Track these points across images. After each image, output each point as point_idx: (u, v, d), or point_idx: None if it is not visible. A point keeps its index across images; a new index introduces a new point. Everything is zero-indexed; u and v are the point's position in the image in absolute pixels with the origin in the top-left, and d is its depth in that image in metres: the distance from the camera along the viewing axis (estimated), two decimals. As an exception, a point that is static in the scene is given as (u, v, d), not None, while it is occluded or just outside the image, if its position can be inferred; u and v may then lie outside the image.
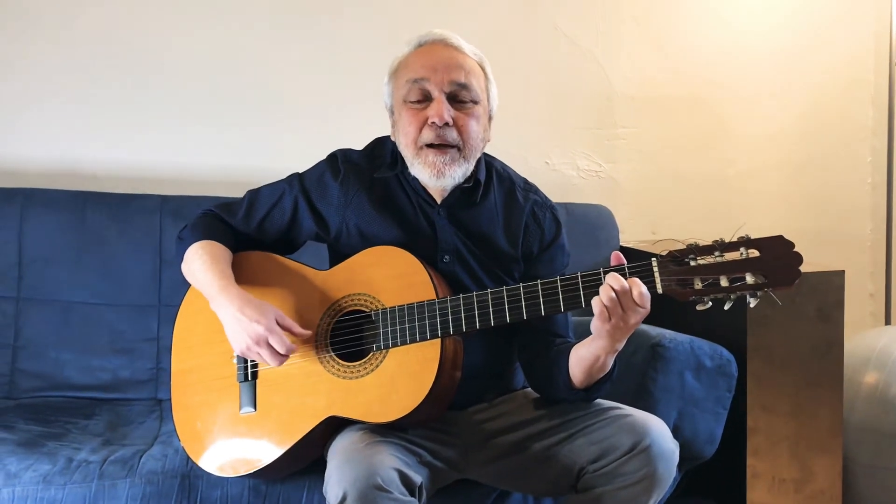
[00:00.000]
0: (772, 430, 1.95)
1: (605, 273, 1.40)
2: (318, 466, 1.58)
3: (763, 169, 2.95)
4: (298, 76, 2.55)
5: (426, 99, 1.56)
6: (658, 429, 1.50)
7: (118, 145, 2.45)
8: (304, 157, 1.78)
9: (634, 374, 1.88)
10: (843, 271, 1.96)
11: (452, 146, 1.56)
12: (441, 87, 1.55)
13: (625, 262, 1.41)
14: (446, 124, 1.54)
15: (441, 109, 1.54)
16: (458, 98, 1.57)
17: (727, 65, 2.88)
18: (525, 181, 1.75)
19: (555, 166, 2.78)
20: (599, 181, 2.83)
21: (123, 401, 2.14)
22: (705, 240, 1.41)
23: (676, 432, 1.88)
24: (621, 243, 2.57)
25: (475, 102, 1.58)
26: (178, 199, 2.29)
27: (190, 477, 1.65)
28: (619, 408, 1.57)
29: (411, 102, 1.57)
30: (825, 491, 1.98)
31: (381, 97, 1.67)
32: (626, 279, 1.37)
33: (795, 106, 2.95)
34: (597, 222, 2.53)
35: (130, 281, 2.21)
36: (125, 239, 2.23)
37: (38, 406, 2.03)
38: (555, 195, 2.35)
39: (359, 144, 1.74)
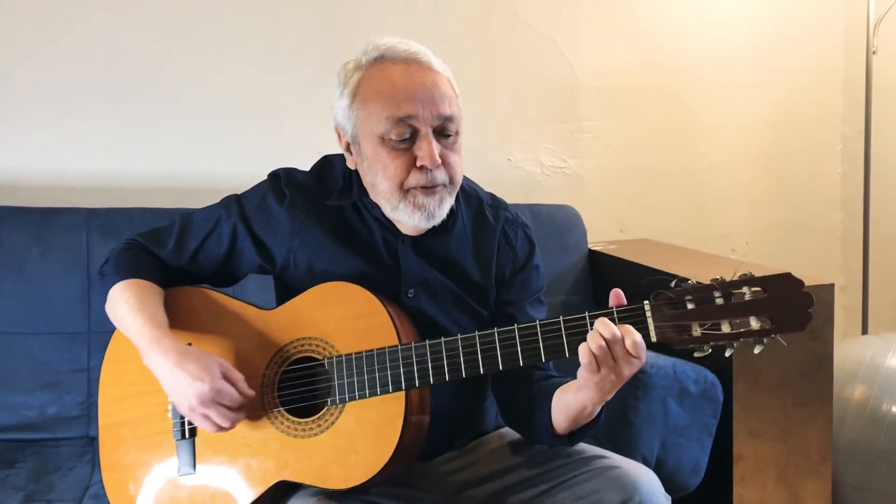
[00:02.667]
0: (759, 455, 1.82)
1: (592, 318, 1.24)
2: (270, 524, 1.41)
3: (734, 161, 2.84)
4: (234, 76, 2.33)
5: (412, 137, 1.35)
6: (649, 483, 1.35)
7: (38, 153, 2.21)
8: (240, 162, 1.59)
9: (614, 404, 1.71)
10: (833, 285, 1.83)
11: (441, 185, 1.37)
12: (429, 123, 1.35)
13: (624, 301, 1.24)
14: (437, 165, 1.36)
15: (433, 152, 1.34)
16: (445, 132, 1.37)
17: (696, 54, 2.75)
18: (493, 197, 1.58)
19: (517, 163, 2.61)
20: (564, 178, 2.67)
21: (51, 441, 1.93)
22: (710, 265, 1.25)
23: (660, 464, 1.75)
24: (589, 245, 2.42)
25: (457, 133, 1.39)
26: (107, 213, 2.07)
27: (123, 544, 1.46)
28: (606, 457, 1.42)
29: (393, 142, 1.36)
30: (814, 517, 1.87)
31: (322, 99, 1.46)
32: (616, 324, 1.21)
33: (766, 96, 2.85)
34: (564, 225, 2.38)
35: (56, 306, 1.99)
36: (48, 259, 2.01)
37: (-49, 454, 1.81)
38: (518, 194, 2.18)
39: (303, 151, 1.54)
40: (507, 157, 2.60)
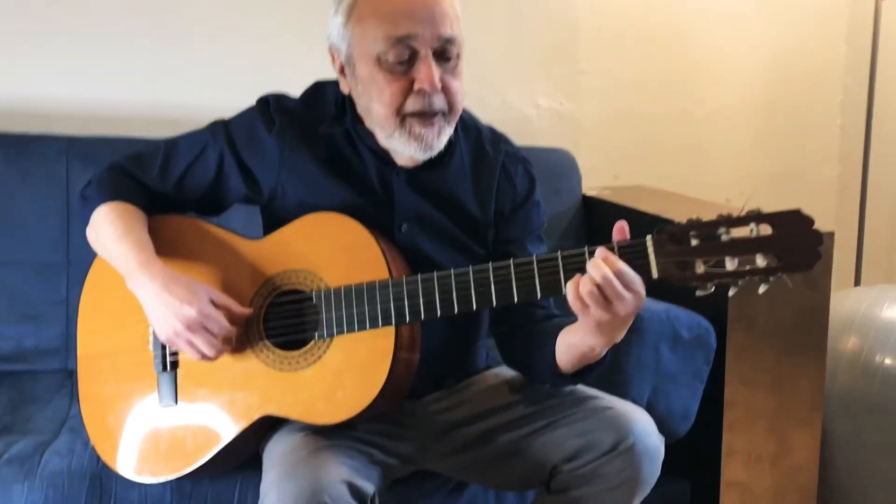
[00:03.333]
0: (750, 403, 1.80)
1: (591, 252, 1.19)
2: (254, 460, 1.38)
3: (732, 109, 2.78)
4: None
5: (410, 59, 1.28)
6: (643, 424, 1.33)
7: (16, 76, 2.11)
8: (228, 91, 1.51)
9: (606, 348, 1.70)
10: (833, 233, 1.78)
11: (440, 113, 1.30)
12: (430, 44, 1.27)
13: (628, 236, 1.19)
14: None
15: (432, 75, 1.26)
16: (445, 55, 1.30)
17: (698, -1, 2.66)
18: (492, 130, 1.51)
19: (512, 104, 2.54)
20: (560, 121, 2.61)
21: (28, 374, 1.88)
22: (715, 206, 1.20)
23: (650, 409, 1.71)
24: (584, 191, 2.37)
25: (458, 57, 1.32)
26: (87, 141, 1.99)
27: (101, 477, 1.42)
28: (599, 397, 1.39)
29: (390, 64, 1.28)
30: (802, 467, 1.86)
31: (317, 22, 1.39)
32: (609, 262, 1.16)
33: (767, 43, 2.78)
34: (558, 169, 2.32)
35: (33, 236, 1.92)
36: (26, 187, 1.93)
37: (-75, 384, 1.76)
38: (511, 136, 2.12)
39: (293, 77, 1.46)
40: (503, 98, 2.53)
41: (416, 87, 1.27)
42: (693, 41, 2.68)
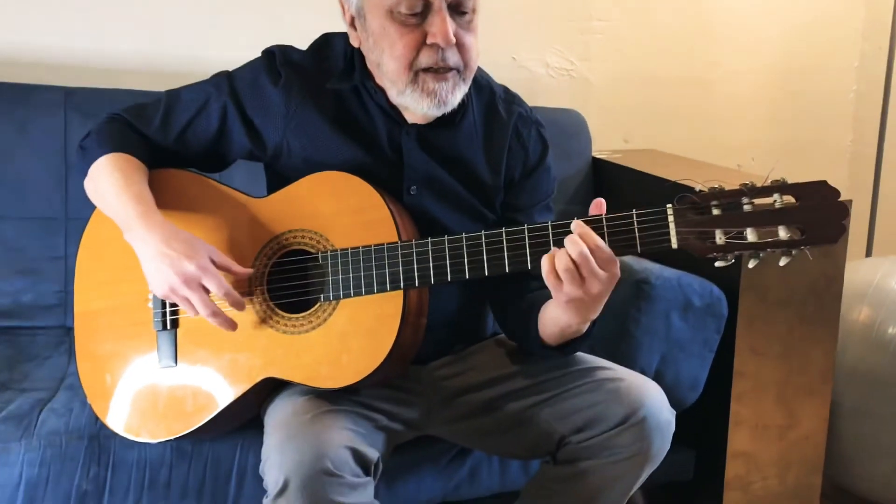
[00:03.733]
0: (759, 373, 1.77)
1: (611, 219, 1.14)
2: (255, 421, 1.35)
3: (746, 73, 2.72)
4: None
5: (423, 11, 1.22)
6: (655, 398, 1.30)
7: (14, 25, 2.04)
8: (233, 43, 1.45)
9: (615, 314, 1.66)
10: (851, 201, 1.73)
11: (454, 69, 1.25)
12: None
13: (604, 211, 1.15)
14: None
15: (446, 28, 1.20)
16: (460, 9, 1.23)
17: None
18: (506, 90, 1.46)
19: (522, 62, 2.48)
20: (571, 81, 2.55)
21: (26, 330, 1.84)
22: (727, 172, 1.16)
23: (658, 378, 1.69)
24: (594, 154, 2.32)
25: (474, 12, 1.26)
26: (85, 93, 1.92)
27: (100, 437, 1.39)
28: (609, 368, 1.36)
29: (403, 16, 1.22)
30: (809, 437, 1.83)
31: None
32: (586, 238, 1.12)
33: (784, 6, 2.71)
34: (568, 130, 2.27)
35: (30, 190, 1.86)
36: (23, 139, 1.87)
37: (-80, 339, 1.73)
38: (520, 96, 2.06)
39: (301, 29, 1.41)
40: (513, 56, 2.47)
41: (429, 40, 1.22)
42: (708, 2, 2.61)
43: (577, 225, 1.13)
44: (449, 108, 1.28)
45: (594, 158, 2.31)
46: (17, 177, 1.86)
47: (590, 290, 1.13)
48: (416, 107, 1.28)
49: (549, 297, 1.28)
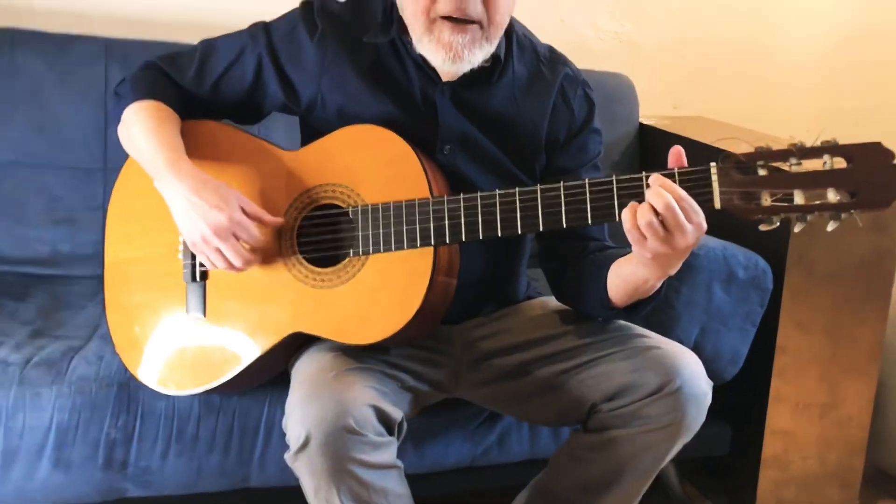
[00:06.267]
0: (802, 349, 1.71)
1: (648, 177, 1.10)
2: (283, 376, 1.34)
3: (806, 39, 2.60)
4: None
5: None
6: (691, 367, 1.26)
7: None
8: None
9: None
10: (908, 173, 1.66)
11: (474, 22, 1.19)
12: None
13: (685, 161, 1.10)
14: None
15: None
16: None
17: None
18: (551, 49, 1.41)
19: (570, 24, 2.41)
20: (620, 44, 2.47)
21: (63, 278, 1.85)
22: (779, 142, 1.10)
23: (697, 350, 1.62)
24: (641, 120, 2.25)
25: None
26: (127, 44, 1.91)
27: (129, 386, 1.39)
28: (646, 336, 1.32)
29: None
30: (853, 417, 1.77)
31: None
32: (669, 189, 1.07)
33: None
34: (616, 94, 2.21)
35: (70, 139, 1.86)
36: (64, 89, 1.87)
37: (-40, 283, 1.75)
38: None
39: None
40: (561, 18, 2.40)
41: None
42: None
43: (656, 178, 1.08)
44: (466, 66, 1.23)
45: (641, 125, 2.24)
46: (58, 126, 1.86)
47: (676, 244, 1.08)
48: (433, 59, 1.23)
49: (615, 257, 1.25)
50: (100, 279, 1.83)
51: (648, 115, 2.33)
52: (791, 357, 1.71)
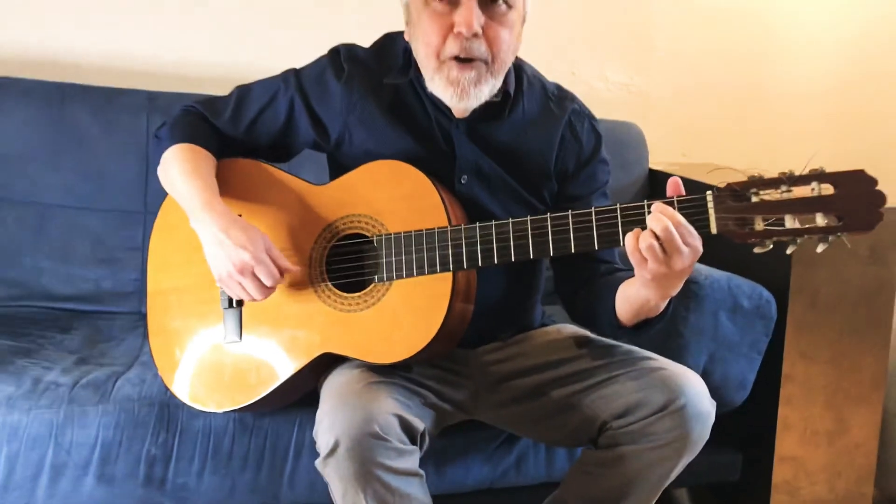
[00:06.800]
0: (808, 378, 1.78)
1: (650, 206, 1.20)
2: (312, 399, 1.42)
3: (809, 88, 2.71)
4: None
5: (453, 1, 1.30)
6: (695, 387, 1.33)
7: (104, 34, 2.20)
8: (303, 55, 1.55)
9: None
10: (906, 208, 1.74)
11: (480, 60, 1.31)
12: None
13: (682, 191, 1.20)
14: (475, 35, 1.28)
15: (470, 17, 1.27)
16: (491, 1, 1.30)
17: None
18: (559, 87, 1.53)
19: (582, 77, 2.54)
20: (629, 96, 2.59)
21: (105, 314, 1.98)
22: (769, 170, 1.20)
23: (706, 377, 1.70)
24: (650, 165, 2.36)
25: (510, 6, 1.32)
26: (167, 97, 2.06)
27: (169, 406, 1.49)
28: (652, 358, 1.40)
29: (435, 4, 1.30)
30: (860, 445, 1.83)
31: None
32: (668, 214, 1.17)
33: (849, 18, 2.69)
34: (625, 140, 2.32)
35: (114, 184, 2.01)
36: (108, 138, 2.01)
37: (11, 317, 1.86)
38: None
39: (365, 42, 1.51)
40: (572, 71, 2.53)
41: (455, 29, 1.29)
42: (770, 16, 2.62)
43: (656, 205, 1.18)
44: (474, 101, 1.34)
45: (651, 170, 2.35)
46: (102, 173, 2.00)
47: (674, 266, 1.17)
48: (442, 96, 1.35)
49: (623, 279, 1.34)
50: (139, 315, 1.97)
51: (659, 161, 2.44)
52: (797, 385, 1.77)
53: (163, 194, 1.53)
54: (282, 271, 1.34)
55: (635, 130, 2.35)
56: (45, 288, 1.96)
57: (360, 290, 1.37)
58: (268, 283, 1.31)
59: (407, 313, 1.33)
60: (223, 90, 2.09)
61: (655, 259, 1.17)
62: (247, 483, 1.50)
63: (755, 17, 2.62)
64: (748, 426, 1.82)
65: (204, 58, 2.27)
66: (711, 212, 1.18)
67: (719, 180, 2.08)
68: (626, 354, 1.42)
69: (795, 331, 1.75)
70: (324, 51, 1.50)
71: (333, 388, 1.30)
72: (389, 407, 1.23)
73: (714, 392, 1.39)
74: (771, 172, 1.19)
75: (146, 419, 1.47)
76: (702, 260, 1.79)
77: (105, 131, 2.01)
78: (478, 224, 1.30)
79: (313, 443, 1.28)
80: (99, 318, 1.94)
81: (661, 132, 2.58)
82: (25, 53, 2.16)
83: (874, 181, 1.14)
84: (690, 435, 1.31)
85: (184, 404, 1.46)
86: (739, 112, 2.67)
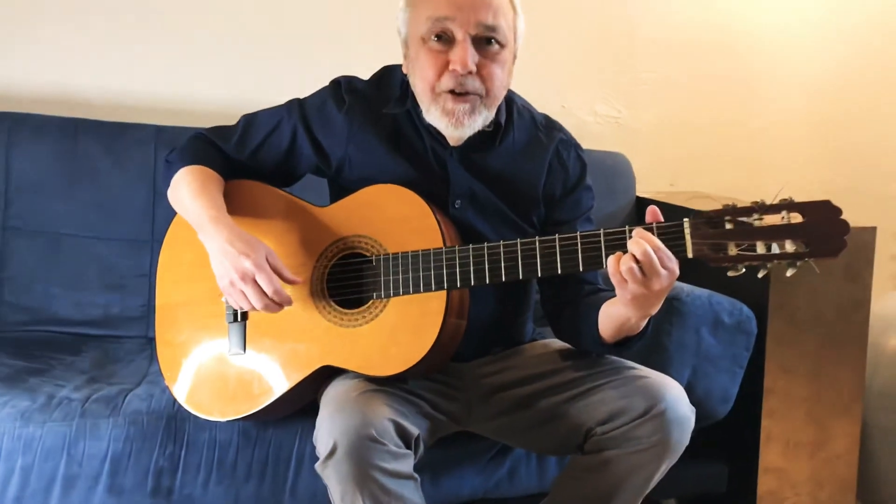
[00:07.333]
0: (789, 391, 1.85)
1: (632, 231, 1.29)
2: (312, 411, 1.49)
3: (792, 121, 2.81)
4: (303, 3, 2.40)
5: (449, 40, 1.40)
6: (674, 393, 1.41)
7: (113, 72, 2.31)
8: (306, 88, 1.65)
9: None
10: (875, 228, 1.84)
11: (474, 94, 1.41)
12: (466, 28, 1.39)
13: (661, 217, 1.29)
14: (470, 72, 1.39)
15: (465, 56, 1.38)
16: (486, 42, 1.41)
17: (760, 6, 2.72)
18: (547, 118, 1.63)
19: (571, 110, 2.64)
20: (618, 128, 2.69)
21: (113, 338, 2.05)
22: (743, 200, 1.29)
23: (689, 390, 1.78)
24: (637, 194, 2.45)
25: (502, 46, 1.42)
26: (174, 130, 2.16)
27: (176, 419, 1.56)
28: (635, 368, 1.48)
29: (432, 42, 1.41)
30: (841, 456, 1.89)
31: (391, 23, 1.53)
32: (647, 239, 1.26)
33: (828, 53, 2.80)
34: (613, 170, 2.41)
35: (123, 214, 2.09)
36: (118, 170, 2.11)
37: (23, 341, 1.94)
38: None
39: (365, 73, 1.61)
40: (562, 104, 2.63)
41: (450, 66, 1.39)
42: (751, 50, 2.73)
43: (637, 230, 1.27)
44: (468, 131, 1.44)
45: (638, 198, 2.43)
46: (112, 203, 2.09)
47: (652, 287, 1.26)
48: (438, 125, 1.44)
49: (605, 299, 1.43)
50: (146, 339, 2.05)
51: (647, 190, 2.53)
52: (779, 398, 1.85)
53: (169, 223, 1.62)
54: (283, 280, 1.41)
55: (623, 160, 2.44)
56: (57, 313, 2.04)
57: (359, 307, 1.45)
58: (267, 290, 1.37)
59: (403, 329, 1.41)
60: (227, 122, 2.20)
61: (635, 280, 1.26)
62: (250, 493, 1.57)
63: (736, 53, 2.72)
64: (734, 439, 1.88)
65: (208, 92, 2.37)
66: (688, 237, 1.27)
67: (701, 207, 2.18)
68: (611, 364, 1.50)
69: (776, 346, 1.83)
70: (324, 82, 1.60)
71: (332, 396, 1.37)
72: (385, 412, 1.31)
73: (698, 405, 1.47)
74: (744, 202, 1.28)
75: (154, 432, 1.54)
76: (684, 278, 1.89)
77: (115, 163, 2.10)
78: (471, 246, 1.39)
79: (314, 452, 1.35)
80: (108, 342, 2.02)
81: (650, 162, 2.68)
82: (40, 90, 2.27)
83: (839, 210, 1.22)
84: (671, 438, 1.38)
85: (191, 416, 1.54)
86: (724, 144, 2.77)
